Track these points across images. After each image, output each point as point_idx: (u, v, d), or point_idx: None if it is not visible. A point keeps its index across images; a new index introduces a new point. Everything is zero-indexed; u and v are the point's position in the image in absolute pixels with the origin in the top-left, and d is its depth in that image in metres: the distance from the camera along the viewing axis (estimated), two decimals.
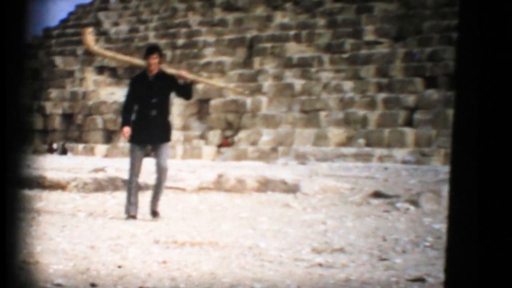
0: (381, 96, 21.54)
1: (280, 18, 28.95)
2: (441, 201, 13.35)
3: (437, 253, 9.23)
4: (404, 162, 18.36)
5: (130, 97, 12.35)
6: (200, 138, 26.98)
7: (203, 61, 29.23)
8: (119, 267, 7.82)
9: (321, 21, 27.06)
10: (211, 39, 30.81)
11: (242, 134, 24.06)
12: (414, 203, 13.34)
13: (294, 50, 27.31)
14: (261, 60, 27.23)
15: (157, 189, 12.08)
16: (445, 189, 13.78)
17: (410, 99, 20.85)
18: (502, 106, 2.83)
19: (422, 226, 11.60)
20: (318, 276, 7.73)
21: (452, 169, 3.05)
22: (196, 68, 28.84)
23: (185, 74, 12.38)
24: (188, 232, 10.69)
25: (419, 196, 13.54)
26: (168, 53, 31.50)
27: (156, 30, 34.53)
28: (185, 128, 27.67)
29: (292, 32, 28.07)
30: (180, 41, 32.25)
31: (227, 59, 28.70)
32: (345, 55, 25.17)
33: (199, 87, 28.01)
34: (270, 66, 26.70)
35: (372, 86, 22.48)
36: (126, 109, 12.41)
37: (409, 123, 20.45)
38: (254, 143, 23.66)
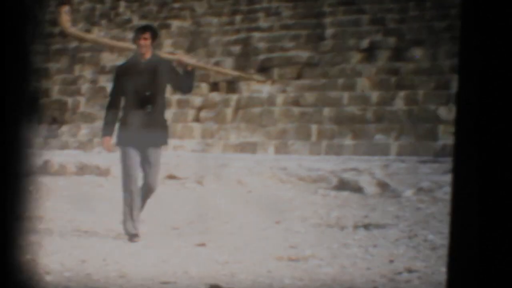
0: (176, 97, 21.63)
1: (96, 32, 28.55)
2: (220, 182, 13.61)
3: (216, 223, 9.47)
4: (192, 150, 18.55)
5: (116, 90, 7.96)
6: None
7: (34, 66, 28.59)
8: None
9: (130, 35, 26.83)
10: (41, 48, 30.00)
11: (64, 128, 23.55)
12: (200, 183, 13.53)
13: (108, 59, 26.99)
14: (81, 67, 26.69)
15: (139, 207, 8.02)
16: (223, 172, 14.06)
17: (198, 100, 21.04)
18: (504, 106, 2.44)
19: (205, 201, 11.80)
20: (123, 242, 7.83)
21: (454, 169, 2.61)
22: None
23: (186, 59, 8.27)
24: None
25: (204, 177, 13.74)
26: None
27: None
28: None
29: None
30: None
31: (53, 65, 28.02)
32: None
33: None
34: (87, 72, 26.30)
35: (168, 89, 22.55)
36: (110, 110, 7.92)
37: (197, 119, 20.64)
38: (74, 135, 23.24)
